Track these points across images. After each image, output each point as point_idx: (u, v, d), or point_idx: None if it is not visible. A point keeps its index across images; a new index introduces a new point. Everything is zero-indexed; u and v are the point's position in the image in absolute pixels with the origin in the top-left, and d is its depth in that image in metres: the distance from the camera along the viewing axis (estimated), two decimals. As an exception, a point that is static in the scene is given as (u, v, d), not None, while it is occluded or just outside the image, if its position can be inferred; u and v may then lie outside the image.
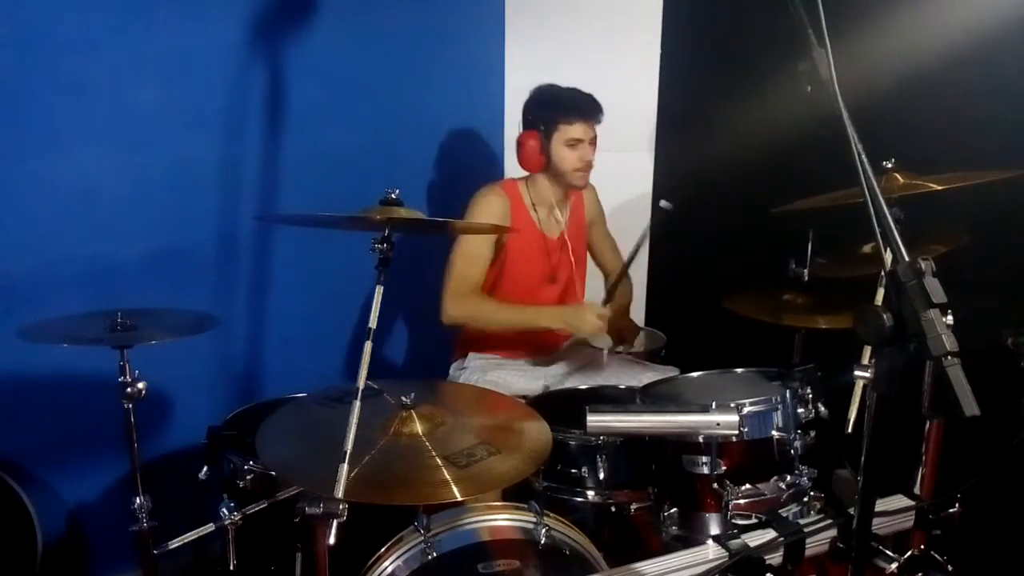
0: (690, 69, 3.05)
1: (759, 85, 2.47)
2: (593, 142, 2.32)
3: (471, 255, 2.30)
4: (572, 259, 2.49)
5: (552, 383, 2.34)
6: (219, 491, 1.88)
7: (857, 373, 1.26)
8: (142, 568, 1.71)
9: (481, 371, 2.37)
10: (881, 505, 1.46)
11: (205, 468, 1.92)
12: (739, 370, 1.94)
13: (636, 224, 3.22)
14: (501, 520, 1.57)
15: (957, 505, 1.50)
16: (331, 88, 2.58)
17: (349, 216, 1.52)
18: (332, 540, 1.19)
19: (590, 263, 2.67)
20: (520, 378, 2.35)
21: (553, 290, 2.47)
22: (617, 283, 2.43)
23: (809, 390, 1.77)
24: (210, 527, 1.67)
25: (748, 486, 1.68)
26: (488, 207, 2.34)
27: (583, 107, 2.28)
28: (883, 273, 1.37)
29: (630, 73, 3.08)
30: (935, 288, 0.89)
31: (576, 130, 2.27)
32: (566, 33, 3.04)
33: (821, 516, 1.44)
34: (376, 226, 1.41)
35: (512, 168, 2.55)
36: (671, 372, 2.31)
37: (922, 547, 1.50)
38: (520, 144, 2.33)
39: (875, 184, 0.98)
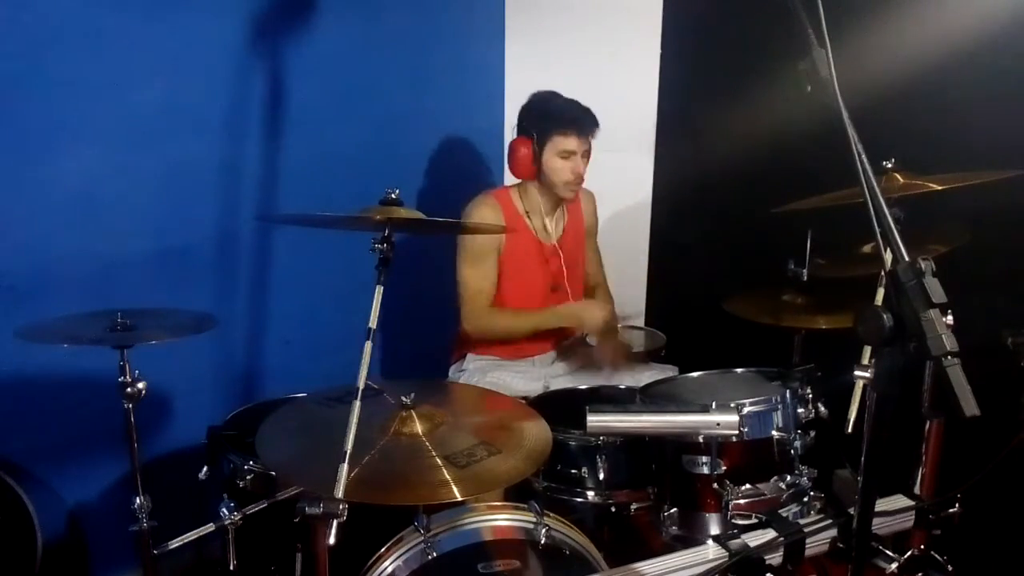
0: (690, 70, 3.05)
1: (759, 85, 2.47)
2: (586, 155, 2.30)
3: (479, 271, 2.29)
4: (564, 268, 2.45)
5: (552, 383, 2.34)
6: (219, 491, 1.87)
7: (857, 373, 1.25)
8: (142, 568, 1.70)
9: (481, 372, 2.36)
10: (881, 505, 1.45)
11: (205, 468, 1.92)
12: (739, 370, 1.94)
13: (636, 225, 3.25)
14: (501, 520, 1.57)
15: (957, 505, 1.50)
16: (331, 88, 2.58)
17: (349, 216, 1.52)
18: (332, 540, 1.19)
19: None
20: (520, 379, 2.35)
21: (553, 298, 2.44)
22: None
23: (809, 390, 1.77)
24: (210, 527, 1.67)
25: (748, 486, 1.68)
26: (481, 218, 2.31)
27: (579, 119, 2.25)
28: (883, 273, 1.37)
29: (630, 74, 3.09)
30: (935, 288, 0.89)
31: (570, 142, 2.24)
32: (566, 34, 3.04)
33: (821, 516, 1.44)
34: (376, 226, 1.41)
35: (511, 169, 2.55)
36: (671, 372, 2.31)
37: (922, 547, 1.50)
38: (512, 150, 2.31)
39: (875, 184, 0.98)
